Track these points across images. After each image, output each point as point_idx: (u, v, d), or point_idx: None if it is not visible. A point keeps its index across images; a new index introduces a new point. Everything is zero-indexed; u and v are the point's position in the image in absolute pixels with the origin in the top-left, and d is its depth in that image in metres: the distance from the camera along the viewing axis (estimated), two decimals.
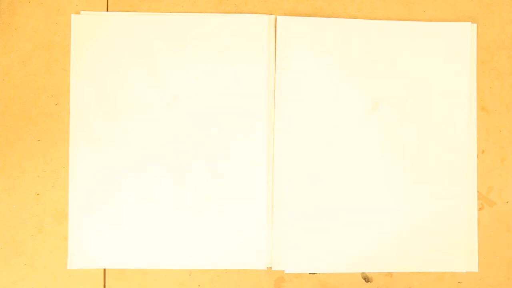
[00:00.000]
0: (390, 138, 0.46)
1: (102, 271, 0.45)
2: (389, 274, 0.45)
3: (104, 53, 0.45)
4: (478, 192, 0.46)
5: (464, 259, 0.45)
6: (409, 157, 0.46)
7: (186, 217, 0.45)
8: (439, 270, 0.45)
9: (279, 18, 0.46)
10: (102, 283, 0.45)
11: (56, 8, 0.46)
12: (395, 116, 0.46)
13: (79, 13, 0.46)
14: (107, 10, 0.46)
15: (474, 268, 0.45)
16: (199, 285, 0.45)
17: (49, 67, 0.46)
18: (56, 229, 0.45)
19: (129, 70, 0.45)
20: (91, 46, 0.45)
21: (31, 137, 0.45)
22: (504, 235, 0.46)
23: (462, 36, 0.46)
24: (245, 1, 0.46)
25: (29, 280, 0.45)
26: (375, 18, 0.47)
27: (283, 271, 0.45)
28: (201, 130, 0.45)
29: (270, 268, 0.45)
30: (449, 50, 0.46)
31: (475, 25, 0.47)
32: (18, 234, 0.45)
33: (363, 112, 0.46)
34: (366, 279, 0.45)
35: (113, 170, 0.45)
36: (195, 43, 0.46)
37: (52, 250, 0.45)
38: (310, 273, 0.45)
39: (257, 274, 0.45)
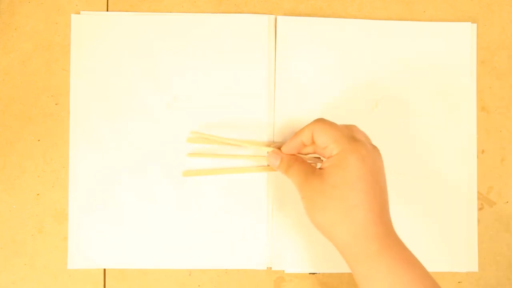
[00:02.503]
0: (389, 137, 0.46)
1: (102, 271, 0.45)
2: None
3: (104, 53, 0.45)
4: (478, 192, 0.46)
5: (464, 259, 0.45)
6: (409, 156, 0.46)
7: (186, 217, 0.45)
8: (439, 270, 0.45)
9: (279, 18, 0.46)
10: (102, 283, 0.45)
11: (56, 8, 0.46)
12: (395, 116, 0.46)
13: (79, 13, 0.46)
14: (107, 10, 0.46)
15: (474, 268, 0.45)
16: (199, 285, 0.45)
17: (49, 67, 0.46)
18: (56, 229, 0.45)
19: (129, 70, 0.45)
20: (91, 46, 0.45)
21: (31, 137, 0.45)
22: (504, 235, 0.46)
23: (462, 36, 0.46)
24: (245, 1, 0.46)
25: (29, 280, 0.45)
26: (375, 18, 0.47)
27: (283, 271, 0.45)
28: (201, 130, 0.45)
29: (270, 268, 0.45)
30: (449, 50, 0.46)
31: (475, 25, 0.47)
32: (18, 234, 0.45)
33: (363, 112, 0.46)
34: None
35: (113, 170, 0.45)
36: (195, 43, 0.46)
37: (52, 250, 0.45)
38: (310, 273, 0.45)
39: (257, 274, 0.45)
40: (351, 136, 0.36)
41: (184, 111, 0.45)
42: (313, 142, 0.38)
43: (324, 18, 0.46)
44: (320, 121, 0.37)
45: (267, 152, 0.42)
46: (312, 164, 0.39)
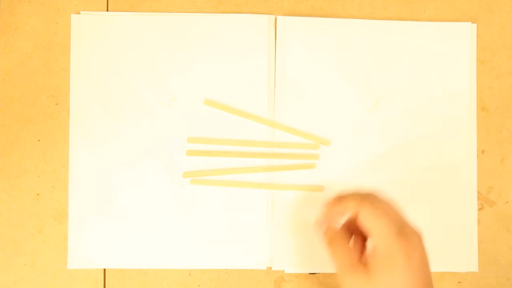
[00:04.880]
0: (389, 137, 0.46)
1: (102, 271, 0.45)
2: None
3: (104, 53, 0.45)
4: (478, 192, 0.46)
5: (464, 259, 0.45)
6: (409, 156, 0.46)
7: (186, 217, 0.45)
8: (439, 270, 0.45)
9: (279, 18, 0.46)
10: (102, 283, 0.45)
11: (56, 8, 0.46)
12: (394, 116, 0.46)
13: (79, 13, 0.46)
14: (107, 10, 0.46)
15: (474, 268, 0.45)
16: (199, 285, 0.45)
17: (49, 67, 0.46)
18: (56, 229, 0.45)
19: (129, 70, 0.45)
20: (91, 46, 0.45)
21: (31, 137, 0.45)
22: (504, 235, 0.46)
23: (462, 36, 0.46)
24: (245, 1, 0.46)
25: (29, 280, 0.45)
26: (375, 18, 0.47)
27: (283, 271, 0.45)
28: (201, 130, 0.45)
29: (270, 268, 0.45)
30: (449, 50, 0.46)
31: (475, 25, 0.47)
32: (18, 234, 0.45)
33: (363, 112, 0.46)
34: None
35: (113, 170, 0.45)
36: (195, 43, 0.46)
37: (52, 250, 0.45)
38: (310, 273, 0.45)
39: (257, 274, 0.45)
40: (399, 229, 0.34)
41: (184, 111, 0.45)
42: (356, 217, 0.36)
43: (324, 18, 0.46)
44: (369, 203, 0.35)
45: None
46: None
